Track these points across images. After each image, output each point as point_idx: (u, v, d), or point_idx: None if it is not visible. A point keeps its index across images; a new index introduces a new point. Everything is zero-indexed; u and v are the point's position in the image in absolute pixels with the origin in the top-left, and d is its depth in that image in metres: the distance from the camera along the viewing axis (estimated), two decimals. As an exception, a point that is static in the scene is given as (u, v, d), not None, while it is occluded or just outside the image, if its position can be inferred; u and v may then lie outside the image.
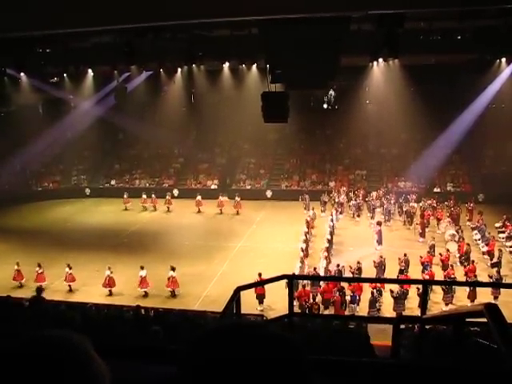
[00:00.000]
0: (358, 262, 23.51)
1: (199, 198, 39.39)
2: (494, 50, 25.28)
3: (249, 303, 18.91)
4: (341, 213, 35.54)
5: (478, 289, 20.95)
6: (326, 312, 20.70)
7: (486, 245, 27.09)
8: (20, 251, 29.00)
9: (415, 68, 31.84)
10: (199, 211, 39.13)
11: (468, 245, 26.22)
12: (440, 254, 25.05)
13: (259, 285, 16.28)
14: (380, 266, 23.82)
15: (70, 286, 24.80)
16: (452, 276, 22.17)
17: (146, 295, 23.62)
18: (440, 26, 22.45)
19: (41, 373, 1.26)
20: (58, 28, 12.06)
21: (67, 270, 24.83)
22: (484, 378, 2.78)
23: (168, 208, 39.74)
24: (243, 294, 5.95)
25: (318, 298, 21.57)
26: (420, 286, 16.29)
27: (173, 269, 23.72)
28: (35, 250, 29.55)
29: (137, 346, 3.48)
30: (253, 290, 19.38)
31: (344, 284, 21.23)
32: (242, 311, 5.99)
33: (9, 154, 42.58)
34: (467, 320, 4.13)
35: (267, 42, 14.41)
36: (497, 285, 21.42)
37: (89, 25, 11.98)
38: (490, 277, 21.99)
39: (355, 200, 36.21)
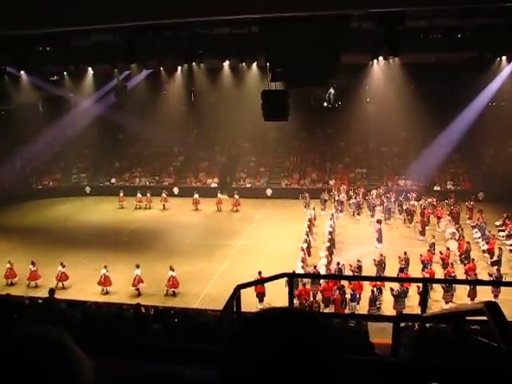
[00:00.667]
0: (358, 261, 23.51)
1: (196, 196, 39.54)
2: (494, 48, 25.29)
3: (249, 301, 18.93)
4: (341, 211, 35.56)
5: (478, 287, 20.95)
6: (326, 310, 20.70)
7: (486, 243, 27.11)
8: (20, 249, 29.00)
9: (415, 66, 31.78)
10: (197, 209, 39.25)
11: (468, 243, 26.24)
12: (440, 253, 25.07)
13: (259, 283, 16.33)
14: (380, 264, 23.83)
15: (62, 284, 24.79)
16: (452, 274, 22.18)
17: (139, 294, 23.57)
18: (440, 24, 22.42)
19: (25, 371, 1.25)
20: (58, 26, 12.06)
21: (60, 268, 24.85)
22: (484, 376, 2.78)
23: (164, 206, 39.88)
24: (243, 292, 5.96)
25: (318, 297, 21.58)
26: (420, 285, 16.30)
27: (172, 269, 23.74)
28: (35, 248, 29.55)
29: (137, 345, 3.48)
30: (253, 288, 19.41)
31: (344, 282, 21.24)
32: (242, 309, 5.99)
33: (9, 153, 42.59)
34: (467, 318, 4.14)
35: (267, 41, 14.40)
36: (497, 283, 21.45)
37: (89, 23, 11.98)
38: (490, 275, 22.02)
39: (355, 198, 36.21)
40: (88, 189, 45.88)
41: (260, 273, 20.75)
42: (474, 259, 24.10)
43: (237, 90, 37.57)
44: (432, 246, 26.26)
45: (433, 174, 40.58)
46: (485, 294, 20.13)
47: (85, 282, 24.76)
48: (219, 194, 39.28)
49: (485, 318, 3.04)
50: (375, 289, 20.76)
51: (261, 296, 21.38)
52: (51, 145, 44.86)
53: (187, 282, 24.30)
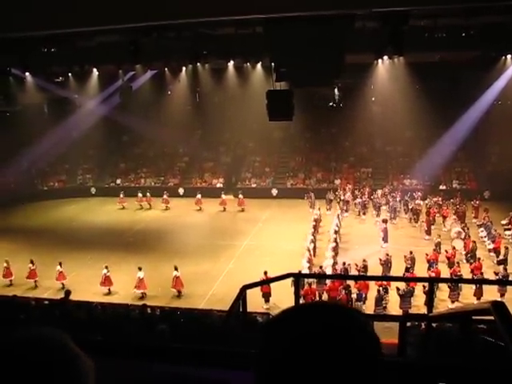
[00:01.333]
0: (364, 260, 23.47)
1: (199, 196, 39.74)
2: (499, 47, 25.22)
3: (255, 302, 18.94)
4: (346, 211, 35.53)
5: (484, 286, 20.88)
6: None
7: (492, 242, 27.04)
8: (26, 250, 29.02)
9: (420, 65, 31.75)
10: (200, 209, 39.38)
11: (474, 242, 26.18)
12: (446, 252, 25.00)
13: (265, 283, 16.32)
14: (386, 263, 23.80)
15: (62, 284, 24.87)
16: (458, 273, 22.11)
17: (142, 297, 23.48)
18: (445, 23, 22.37)
19: (27, 372, 1.25)
20: (63, 27, 12.09)
21: (58, 267, 24.95)
22: (491, 376, 2.78)
23: (166, 207, 40.00)
24: (250, 292, 5.96)
25: (324, 297, 21.56)
26: (426, 284, 16.27)
27: (176, 268, 23.74)
28: (41, 249, 29.63)
29: (143, 345, 3.49)
30: (259, 288, 19.41)
31: (350, 282, 21.21)
32: (248, 309, 6.00)
33: (14, 154, 42.68)
34: (474, 318, 4.13)
35: (272, 41, 14.40)
36: (503, 282, 21.34)
37: (94, 24, 12.01)
38: (497, 274, 21.96)
39: (361, 198, 36.19)
40: (93, 190, 46.01)
41: (266, 273, 20.74)
42: (480, 258, 24.03)
43: (241, 90, 37.63)
44: (438, 245, 26.22)
45: (438, 173, 40.52)
46: (491, 293, 20.08)
47: (89, 282, 24.75)
48: (223, 195, 39.37)
49: (492, 317, 3.04)
50: (381, 288, 20.73)
51: (267, 296, 21.35)
52: (56, 146, 44.97)
53: (193, 282, 24.31)
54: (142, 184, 45.26)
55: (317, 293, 21.56)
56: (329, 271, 22.95)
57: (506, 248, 25.44)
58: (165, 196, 40.22)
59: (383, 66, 32.27)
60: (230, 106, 45.79)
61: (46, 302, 19.99)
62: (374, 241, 29.00)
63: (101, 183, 46.77)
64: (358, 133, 44.20)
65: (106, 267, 24.32)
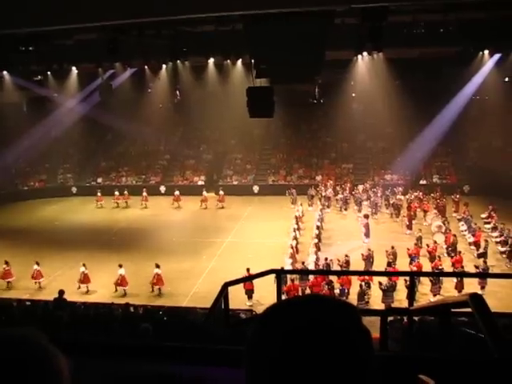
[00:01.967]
0: (346, 256, 23.61)
1: (177, 193, 39.69)
2: (476, 43, 25.46)
3: (238, 298, 18.98)
4: (328, 207, 35.64)
5: (465, 279, 21.12)
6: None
7: (473, 235, 27.30)
8: (7, 251, 28.70)
9: (400, 61, 31.91)
10: (178, 206, 39.38)
11: (455, 236, 26.43)
12: (427, 246, 25.21)
13: (247, 280, 16.33)
14: (368, 258, 23.94)
15: (39, 283, 24.80)
16: (439, 267, 22.32)
17: (124, 294, 23.52)
18: (424, 19, 22.54)
19: (1, 371, 1.25)
20: (41, 25, 11.99)
21: (35, 266, 24.80)
22: (471, 368, 2.81)
23: (145, 205, 39.88)
24: (233, 289, 5.98)
25: (307, 292, 21.62)
26: (408, 278, 16.40)
27: (157, 266, 23.71)
28: (23, 249, 29.33)
29: (126, 344, 3.48)
30: (242, 285, 19.43)
31: (333, 277, 21.32)
32: (232, 306, 6.01)
33: (-7, 153, 42.24)
34: (454, 310, 4.18)
35: (252, 37, 14.41)
36: (483, 275, 21.59)
37: (72, 22, 11.91)
38: (477, 267, 22.20)
39: (342, 194, 36.31)
40: (74, 189, 45.61)
41: (248, 270, 20.73)
42: (460, 252, 24.27)
43: (222, 88, 37.58)
44: (419, 239, 26.42)
45: (419, 168, 40.84)
46: (472, 285, 20.32)
47: (73, 282, 24.52)
48: (204, 192, 39.31)
49: (470, 309, 3.08)
50: (363, 283, 20.85)
51: (250, 293, 21.41)
52: (36, 145, 44.49)
53: (176, 280, 24.29)
54: (124, 182, 44.97)
55: (300, 289, 21.62)
56: (311, 267, 23.04)
57: (486, 241, 25.72)
58: (144, 194, 40.04)
59: (363, 62, 32.39)
60: (210, 104, 45.61)
61: (28, 303, 19.86)
62: (355, 236, 29.16)
63: (82, 182, 46.37)
64: (338, 129, 44.28)
65: (84, 265, 24.24)
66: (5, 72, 30.60)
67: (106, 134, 49.50)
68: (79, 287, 24.06)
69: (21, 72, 31.57)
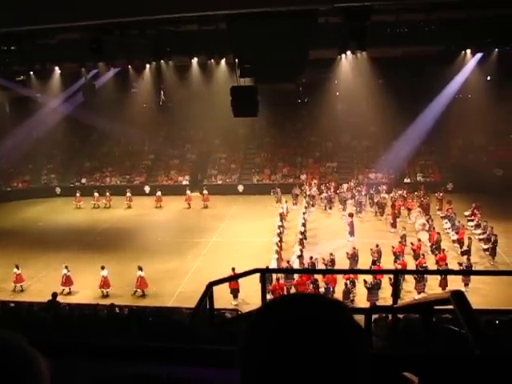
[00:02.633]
0: (331, 254, 23.65)
1: (159, 193, 39.60)
2: (458, 42, 25.67)
3: (223, 298, 18.96)
4: (312, 205, 35.70)
5: (449, 276, 21.29)
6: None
7: (456, 233, 27.47)
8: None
9: (383, 60, 32.06)
10: (160, 207, 39.34)
11: (438, 234, 26.57)
12: (411, 244, 25.32)
13: (231, 279, 16.30)
14: (353, 257, 24.02)
15: (21, 286, 24.60)
16: (424, 265, 22.44)
17: (107, 295, 23.39)
18: (407, 19, 22.67)
19: None
20: (22, 25, 11.90)
21: (15, 270, 24.51)
22: (453, 365, 2.84)
23: (129, 205, 39.72)
24: (218, 289, 5.97)
25: (292, 291, 21.63)
26: (392, 276, 16.48)
27: (140, 268, 23.57)
28: (7, 251, 29.09)
29: (112, 345, 3.48)
30: (227, 284, 19.42)
31: (318, 276, 21.35)
32: (217, 306, 6.02)
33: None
34: (438, 307, 4.21)
35: (235, 37, 14.39)
36: (467, 272, 21.78)
37: (54, 21, 11.83)
38: (461, 264, 22.35)
39: (326, 192, 36.36)
40: (58, 190, 45.22)
41: (234, 269, 20.70)
42: (444, 249, 24.44)
43: (206, 87, 37.59)
44: (403, 237, 26.54)
45: (402, 166, 40.99)
46: (456, 283, 20.44)
47: (58, 283, 24.37)
48: (188, 192, 39.24)
49: (452, 306, 3.11)
50: (348, 282, 20.92)
51: (235, 292, 21.40)
52: (19, 146, 44.18)
53: (161, 280, 24.22)
54: (108, 183, 44.71)
55: (285, 288, 21.64)
56: (296, 266, 23.07)
57: (470, 239, 25.89)
58: (128, 194, 39.86)
59: (347, 61, 32.52)
60: (194, 103, 45.47)
61: (12, 305, 19.70)
62: (340, 235, 29.26)
63: (66, 183, 46.00)
64: (323, 128, 44.38)
65: (66, 267, 24.04)
66: (-14, 72, 30.36)
67: (90, 134, 49.14)
68: (62, 290, 23.84)
69: (3, 72, 31.33)
